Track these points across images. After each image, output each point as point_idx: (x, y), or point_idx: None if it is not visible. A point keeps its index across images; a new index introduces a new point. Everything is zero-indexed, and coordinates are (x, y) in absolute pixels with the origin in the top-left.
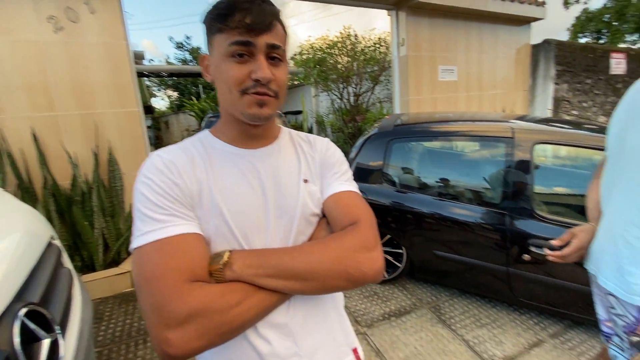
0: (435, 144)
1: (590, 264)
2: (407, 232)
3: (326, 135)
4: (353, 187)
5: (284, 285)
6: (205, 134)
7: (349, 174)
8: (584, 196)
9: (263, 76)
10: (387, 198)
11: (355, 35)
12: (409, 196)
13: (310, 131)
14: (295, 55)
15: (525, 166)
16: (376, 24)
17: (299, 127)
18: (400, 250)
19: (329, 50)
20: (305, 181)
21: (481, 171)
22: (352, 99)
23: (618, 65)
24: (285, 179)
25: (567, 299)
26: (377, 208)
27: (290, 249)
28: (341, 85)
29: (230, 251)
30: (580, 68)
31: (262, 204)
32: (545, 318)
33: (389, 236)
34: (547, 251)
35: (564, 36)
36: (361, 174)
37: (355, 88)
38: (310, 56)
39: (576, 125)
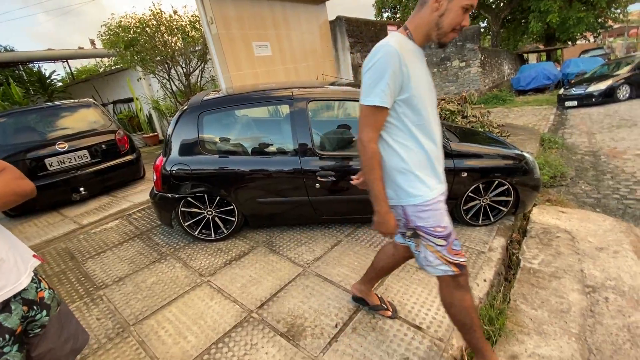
0: (239, 112)
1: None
2: (232, 191)
3: (168, 123)
4: None
5: None
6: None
7: None
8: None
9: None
10: (209, 165)
11: (175, 12)
12: (226, 160)
13: (149, 120)
14: (100, 35)
15: (303, 119)
16: (187, 2)
17: (134, 118)
18: (231, 207)
19: (140, 29)
20: None
21: (276, 127)
22: (183, 79)
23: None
24: None
25: (353, 207)
26: (203, 176)
27: None
28: (167, 66)
29: None
30: (367, 39)
31: None
32: (344, 225)
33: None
34: (353, 179)
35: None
36: (180, 148)
37: (185, 68)
38: (121, 36)
39: (350, 85)
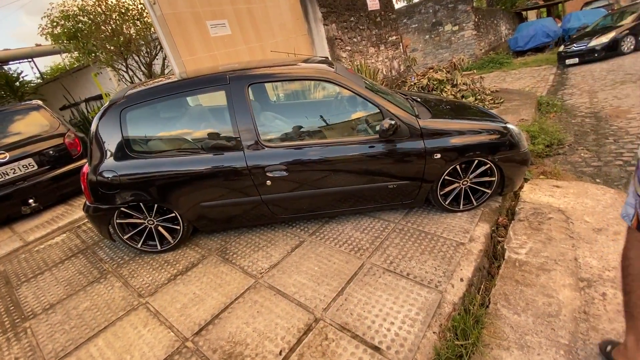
0: (167, 104)
1: None
2: (170, 196)
3: None
4: None
5: None
6: None
7: None
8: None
9: None
10: (138, 169)
11: None
12: (158, 162)
13: None
14: (44, 28)
15: (244, 105)
16: None
17: None
18: (173, 215)
19: (83, 16)
20: None
21: (213, 119)
22: (144, 69)
23: (373, 2)
24: None
25: (317, 203)
26: (133, 182)
27: None
28: (123, 56)
29: None
30: (342, 7)
31: None
32: (309, 222)
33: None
34: None
35: None
36: (105, 152)
37: (147, 57)
38: (63, 27)
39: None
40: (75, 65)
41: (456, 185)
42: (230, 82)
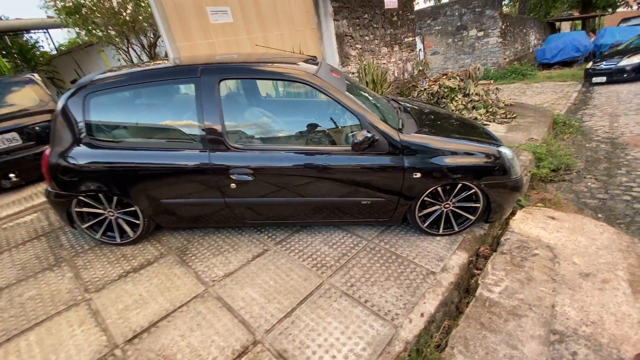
0: (133, 93)
1: None
2: (129, 190)
3: None
4: None
5: None
6: None
7: None
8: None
9: None
10: (99, 158)
11: None
12: (119, 153)
13: None
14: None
15: (213, 102)
16: None
17: None
18: (133, 209)
19: None
20: None
21: (180, 113)
22: (146, 51)
23: (390, 0)
24: None
25: (288, 212)
26: (93, 171)
27: None
28: (125, 36)
29: None
30: (356, 4)
31: None
32: (279, 230)
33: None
34: None
35: None
36: (66, 137)
37: (153, 37)
38: (67, 2)
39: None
40: (83, 42)
41: (437, 207)
42: (201, 76)
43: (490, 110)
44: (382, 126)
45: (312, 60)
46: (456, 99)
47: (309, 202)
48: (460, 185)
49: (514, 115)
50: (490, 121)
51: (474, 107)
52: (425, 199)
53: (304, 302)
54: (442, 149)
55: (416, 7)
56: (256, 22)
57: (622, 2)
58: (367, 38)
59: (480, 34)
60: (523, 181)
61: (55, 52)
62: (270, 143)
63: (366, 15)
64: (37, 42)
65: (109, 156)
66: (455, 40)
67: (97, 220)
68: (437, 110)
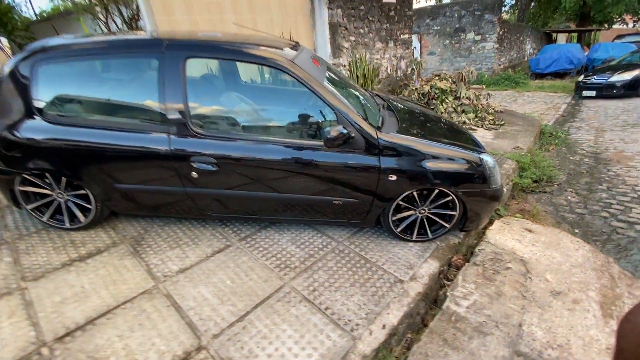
0: (94, 64)
1: None
2: (79, 171)
3: None
4: None
5: None
6: None
7: None
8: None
9: None
10: (46, 134)
11: None
12: (68, 129)
13: None
14: None
15: (177, 81)
16: None
17: None
18: (84, 192)
19: None
20: None
21: (141, 90)
22: (127, 23)
23: None
24: None
25: (253, 206)
26: (38, 148)
27: None
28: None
29: None
30: None
31: None
32: (246, 224)
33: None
34: None
35: None
36: (10, 108)
37: (136, 10)
38: None
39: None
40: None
41: (412, 212)
42: (165, 51)
43: (480, 115)
44: (360, 123)
45: (294, 46)
46: (447, 101)
47: (277, 197)
48: (437, 191)
49: (502, 122)
50: (478, 126)
51: (463, 111)
52: (400, 202)
53: (260, 305)
54: (421, 152)
55: (416, 5)
56: (245, 2)
57: (619, 19)
58: (361, 31)
59: (478, 37)
60: (503, 191)
61: (36, 19)
62: (239, 131)
63: (362, 7)
64: (15, 4)
65: (57, 132)
66: (453, 42)
67: (44, 201)
68: (424, 111)
